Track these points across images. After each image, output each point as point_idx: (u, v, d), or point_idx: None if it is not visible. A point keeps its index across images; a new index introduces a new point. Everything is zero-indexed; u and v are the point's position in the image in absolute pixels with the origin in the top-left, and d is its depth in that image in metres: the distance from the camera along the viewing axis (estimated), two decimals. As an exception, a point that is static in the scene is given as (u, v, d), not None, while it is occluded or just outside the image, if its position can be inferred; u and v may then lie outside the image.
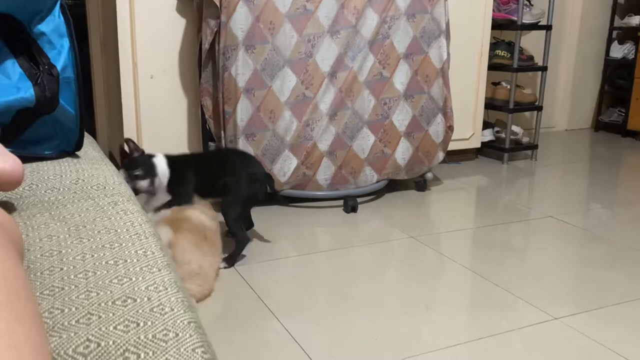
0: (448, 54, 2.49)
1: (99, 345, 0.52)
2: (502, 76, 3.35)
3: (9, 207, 0.88)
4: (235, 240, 1.86)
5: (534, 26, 3.26)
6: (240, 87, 2.19)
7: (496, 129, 3.39)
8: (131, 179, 1.81)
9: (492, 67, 3.19)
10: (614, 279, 1.79)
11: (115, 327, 0.55)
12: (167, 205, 1.84)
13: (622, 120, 4.09)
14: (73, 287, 0.62)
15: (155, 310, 0.58)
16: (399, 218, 2.32)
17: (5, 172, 0.79)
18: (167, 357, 0.51)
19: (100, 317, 0.56)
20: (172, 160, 1.90)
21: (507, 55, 3.26)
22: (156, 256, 0.72)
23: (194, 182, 1.90)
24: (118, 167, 2.50)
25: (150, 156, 1.87)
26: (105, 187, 1.00)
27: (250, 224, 2.07)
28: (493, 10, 3.05)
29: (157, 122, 2.47)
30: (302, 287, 1.71)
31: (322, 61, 2.28)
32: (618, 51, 4.13)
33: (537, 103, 3.40)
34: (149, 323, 0.56)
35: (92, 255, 0.70)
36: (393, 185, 2.68)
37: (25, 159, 0.99)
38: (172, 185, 1.87)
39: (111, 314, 0.57)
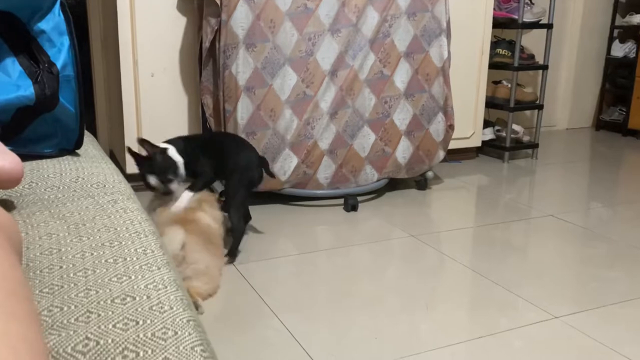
0: (449, 52, 2.49)
1: (97, 343, 0.52)
2: (502, 75, 3.35)
3: (8, 205, 0.88)
4: (231, 229, 1.87)
5: (535, 25, 3.26)
6: (241, 85, 2.19)
7: (497, 127, 3.39)
8: (164, 184, 1.81)
9: (492, 65, 3.18)
10: (614, 278, 1.79)
11: (114, 325, 0.55)
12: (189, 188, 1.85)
13: (623, 119, 4.08)
14: (72, 285, 0.62)
15: (154, 308, 0.58)
16: (400, 217, 2.32)
17: (5, 170, 0.79)
18: (166, 356, 0.51)
19: (99, 315, 0.56)
20: (179, 147, 1.89)
21: (508, 54, 3.26)
22: (156, 254, 0.72)
23: (204, 162, 1.91)
24: (120, 167, 2.49)
25: (165, 152, 1.85)
26: (105, 186, 1.00)
27: (248, 217, 2.07)
28: (494, 9, 3.05)
29: (158, 120, 2.47)
30: (302, 285, 1.71)
31: (323, 60, 2.28)
32: (619, 50, 4.12)
33: (537, 102, 3.39)
34: (148, 321, 0.56)
35: (92, 254, 0.70)
36: (393, 184, 2.68)
37: (25, 157, 0.99)
38: (188, 171, 1.88)
39: (110, 312, 0.57)
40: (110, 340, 0.52)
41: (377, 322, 1.49)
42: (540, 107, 3.37)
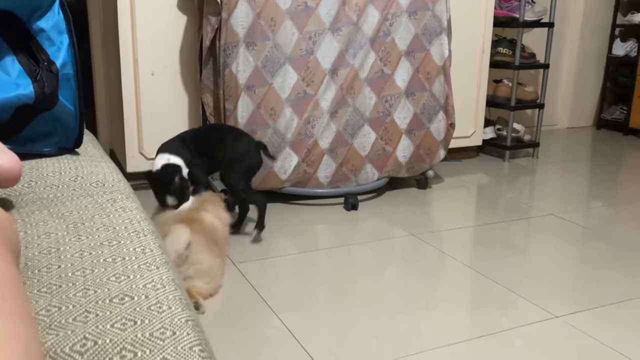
0: (449, 51, 2.49)
1: (95, 343, 0.52)
2: (503, 74, 3.34)
3: (7, 204, 0.88)
4: (256, 206, 1.98)
5: (536, 23, 3.25)
6: (241, 84, 2.19)
7: (498, 126, 3.38)
8: (180, 202, 1.82)
9: (493, 64, 3.18)
10: (614, 278, 1.78)
11: (112, 325, 0.54)
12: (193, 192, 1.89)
13: (624, 118, 4.07)
14: (70, 284, 0.62)
15: (152, 308, 0.58)
16: (400, 216, 2.32)
17: (3, 168, 0.79)
18: (164, 356, 0.51)
19: (97, 315, 0.56)
20: (178, 152, 1.89)
21: (509, 53, 3.25)
22: (154, 254, 0.71)
23: (201, 162, 1.95)
24: (120, 166, 2.49)
25: (181, 171, 1.85)
26: (104, 185, 0.99)
27: (247, 206, 2.09)
28: (495, 8, 3.04)
29: (158, 119, 2.47)
30: (302, 284, 1.71)
31: (323, 58, 2.27)
32: (620, 49, 4.11)
33: (538, 101, 3.39)
34: (146, 321, 0.56)
35: (90, 253, 0.70)
36: (394, 183, 2.68)
37: (24, 156, 0.99)
38: (191, 179, 1.90)
39: (108, 312, 0.57)
40: (108, 340, 0.52)
41: (377, 321, 1.49)
42: (541, 106, 3.36)
